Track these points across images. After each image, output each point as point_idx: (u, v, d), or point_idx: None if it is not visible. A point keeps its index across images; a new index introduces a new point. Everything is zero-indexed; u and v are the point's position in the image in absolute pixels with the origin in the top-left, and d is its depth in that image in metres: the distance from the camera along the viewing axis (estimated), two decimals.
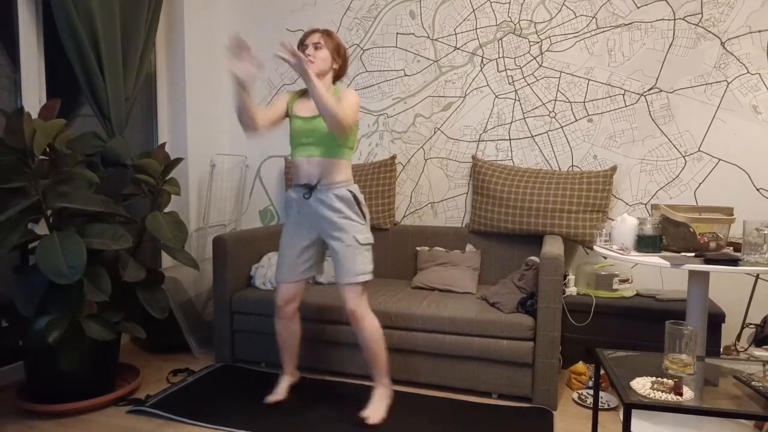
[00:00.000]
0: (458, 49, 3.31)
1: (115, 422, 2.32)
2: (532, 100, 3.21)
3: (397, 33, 3.43)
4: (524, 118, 3.23)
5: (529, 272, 2.76)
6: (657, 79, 3.01)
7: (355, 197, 2.27)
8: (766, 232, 1.98)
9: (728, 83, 2.91)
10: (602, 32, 3.07)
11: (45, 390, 2.38)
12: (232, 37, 1.99)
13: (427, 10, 3.35)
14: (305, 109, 2.28)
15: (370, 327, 2.29)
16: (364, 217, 2.30)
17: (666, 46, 2.99)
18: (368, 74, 3.50)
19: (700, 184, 2.99)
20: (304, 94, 2.36)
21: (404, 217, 3.50)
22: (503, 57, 3.24)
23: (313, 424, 2.29)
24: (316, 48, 2.24)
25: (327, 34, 2.27)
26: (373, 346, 2.30)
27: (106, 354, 2.49)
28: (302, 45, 2.27)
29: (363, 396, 2.53)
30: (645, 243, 2.22)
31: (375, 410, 2.32)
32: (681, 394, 1.52)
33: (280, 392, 2.49)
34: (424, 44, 3.38)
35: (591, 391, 2.59)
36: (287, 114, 2.34)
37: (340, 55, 2.30)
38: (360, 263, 2.24)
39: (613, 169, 2.98)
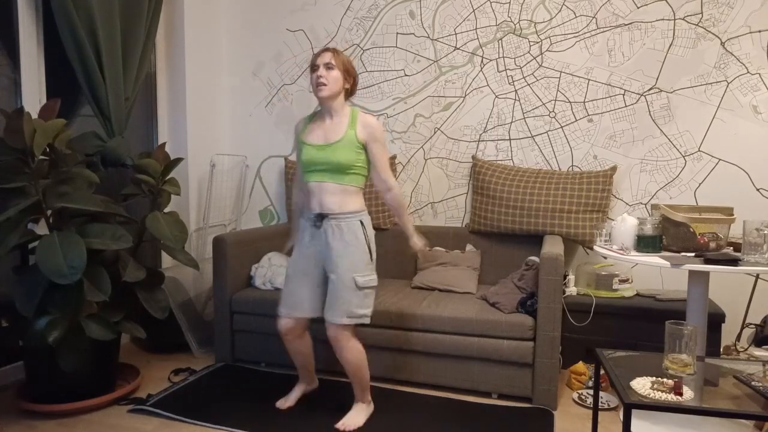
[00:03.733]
0: (458, 49, 3.31)
1: (115, 422, 2.32)
2: (532, 100, 3.21)
3: (397, 33, 3.43)
4: (524, 118, 3.23)
5: (529, 272, 2.76)
6: (657, 79, 3.01)
7: (364, 231, 2.18)
8: (766, 232, 1.98)
9: (728, 83, 2.91)
10: (602, 32, 3.07)
11: (45, 390, 2.39)
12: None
13: (427, 10, 3.35)
14: (317, 137, 2.20)
15: (348, 355, 2.21)
16: (371, 254, 2.19)
17: (666, 46, 2.99)
18: (368, 74, 3.50)
19: (700, 184, 2.99)
20: (312, 120, 2.28)
21: None
22: (503, 57, 3.24)
23: (312, 424, 2.29)
24: (327, 68, 2.15)
25: (336, 53, 2.18)
26: (352, 370, 2.25)
27: (106, 354, 2.49)
28: (314, 66, 2.17)
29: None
30: (645, 243, 2.22)
31: (350, 420, 2.27)
32: (681, 394, 1.52)
33: (291, 399, 2.46)
34: (424, 44, 3.38)
35: (591, 391, 2.59)
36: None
37: (350, 74, 2.22)
38: (354, 304, 2.14)
39: (613, 169, 2.98)
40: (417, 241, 2.33)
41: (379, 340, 2.66)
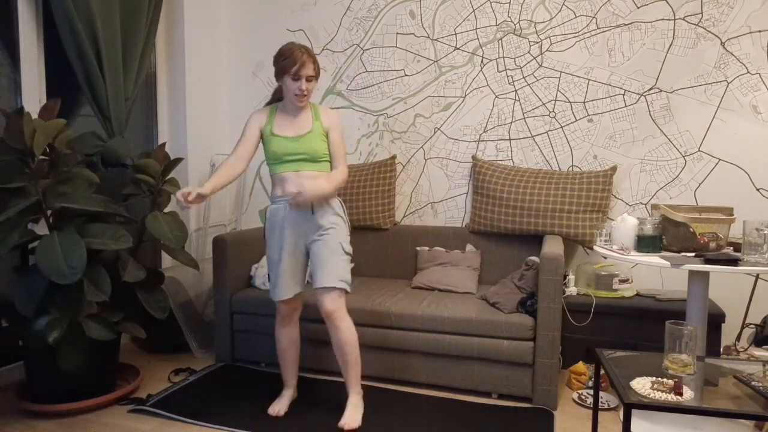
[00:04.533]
0: (458, 49, 3.31)
1: (115, 422, 2.32)
2: (532, 100, 3.21)
3: (397, 33, 3.43)
4: (524, 118, 3.23)
5: (529, 272, 2.76)
6: (657, 79, 3.01)
7: (342, 205, 2.34)
8: (766, 232, 1.98)
9: (728, 83, 2.91)
10: (602, 32, 3.07)
11: (45, 390, 2.39)
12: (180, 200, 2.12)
13: (427, 10, 3.35)
14: (288, 128, 2.27)
15: (348, 329, 2.27)
16: (348, 226, 2.35)
17: (666, 46, 2.99)
18: (368, 74, 3.50)
19: (700, 184, 2.99)
20: (275, 112, 2.32)
21: (404, 217, 3.50)
22: (503, 57, 3.24)
23: (313, 424, 2.29)
24: (309, 81, 2.21)
25: (315, 61, 2.23)
26: (349, 350, 2.28)
27: (106, 354, 2.49)
28: (296, 75, 2.18)
29: (363, 396, 2.53)
30: (645, 243, 2.22)
31: (351, 417, 2.27)
32: (681, 394, 1.52)
33: (283, 407, 2.40)
34: (424, 44, 3.38)
35: (591, 391, 2.59)
36: (261, 137, 2.32)
37: (318, 75, 2.28)
38: (342, 269, 2.25)
39: (613, 169, 2.98)
40: (303, 192, 2.15)
41: (379, 340, 2.66)
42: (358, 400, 2.34)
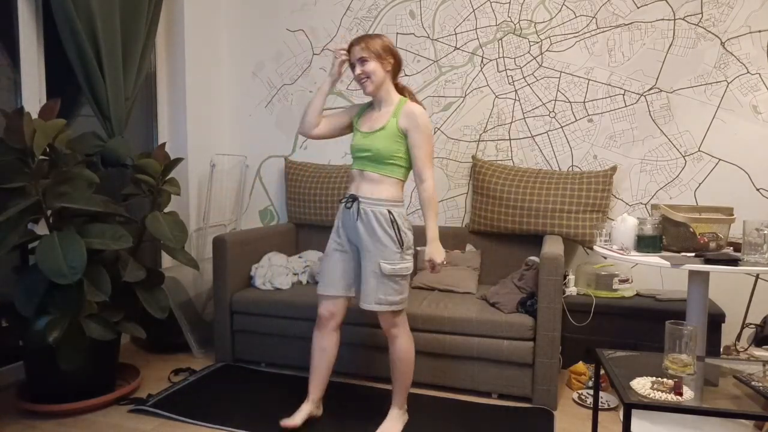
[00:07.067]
0: (458, 49, 3.31)
1: (115, 422, 2.32)
2: (532, 100, 3.21)
3: (397, 33, 3.43)
4: (524, 118, 3.23)
5: (529, 272, 2.76)
6: (657, 79, 3.01)
7: (394, 220, 2.10)
8: (766, 232, 1.98)
9: (728, 83, 2.91)
10: (602, 32, 3.07)
11: (45, 390, 2.39)
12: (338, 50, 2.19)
13: (427, 10, 3.35)
14: (366, 124, 2.20)
15: (400, 347, 2.19)
16: (401, 244, 2.11)
17: (666, 46, 2.99)
18: None
19: (700, 184, 2.99)
20: (368, 107, 2.28)
21: None
22: (503, 57, 3.24)
23: (313, 424, 2.29)
24: (362, 63, 2.11)
25: (365, 41, 2.11)
26: (398, 366, 2.20)
27: (106, 354, 2.49)
28: (351, 64, 2.17)
29: (363, 396, 2.53)
30: (645, 243, 2.22)
31: (389, 428, 2.21)
32: (681, 394, 1.52)
33: (297, 418, 2.23)
34: (424, 44, 3.38)
35: (591, 391, 2.59)
36: (350, 128, 2.29)
37: (386, 55, 2.13)
38: (381, 291, 2.10)
39: (613, 169, 2.98)
40: (433, 250, 2.15)
41: (379, 341, 2.65)
42: (397, 414, 2.25)
